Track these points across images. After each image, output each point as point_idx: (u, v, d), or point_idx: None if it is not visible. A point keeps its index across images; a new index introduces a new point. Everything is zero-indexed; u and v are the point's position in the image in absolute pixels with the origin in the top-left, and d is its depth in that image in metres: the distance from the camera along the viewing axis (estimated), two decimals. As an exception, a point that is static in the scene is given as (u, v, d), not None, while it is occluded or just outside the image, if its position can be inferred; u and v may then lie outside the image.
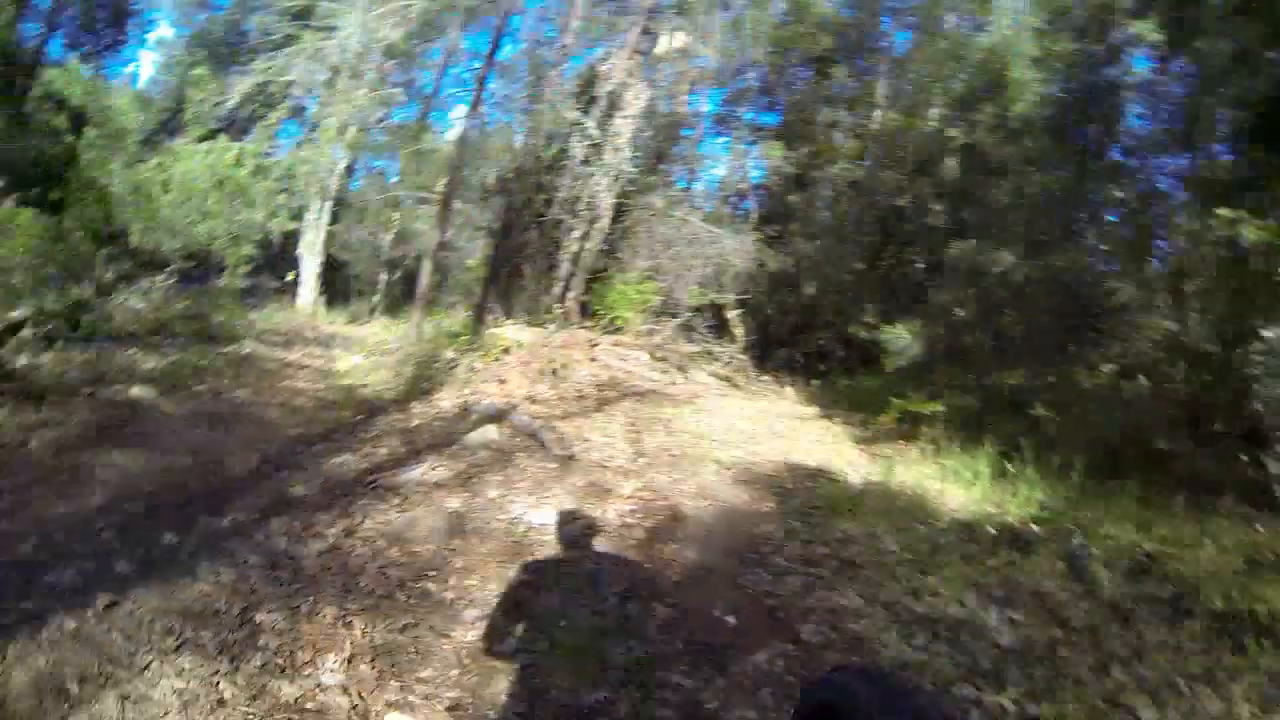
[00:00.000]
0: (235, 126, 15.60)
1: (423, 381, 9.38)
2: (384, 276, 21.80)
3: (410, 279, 21.67)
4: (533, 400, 8.52)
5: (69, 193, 9.58)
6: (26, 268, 7.96)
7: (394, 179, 23.10)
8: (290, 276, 18.62)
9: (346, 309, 19.94)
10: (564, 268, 12.63)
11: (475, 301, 14.70)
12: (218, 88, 14.77)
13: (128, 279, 9.67)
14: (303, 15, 16.21)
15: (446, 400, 8.56)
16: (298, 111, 18.46)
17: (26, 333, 7.30)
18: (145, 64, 23.83)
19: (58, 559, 4.00)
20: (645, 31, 12.39)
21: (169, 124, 15.67)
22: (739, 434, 8.02)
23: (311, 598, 3.81)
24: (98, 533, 4.39)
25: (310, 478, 5.68)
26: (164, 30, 23.12)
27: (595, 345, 10.86)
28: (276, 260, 21.38)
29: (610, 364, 10.51)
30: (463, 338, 11.22)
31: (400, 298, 21.59)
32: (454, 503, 5.39)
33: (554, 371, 9.49)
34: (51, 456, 5.34)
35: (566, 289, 12.65)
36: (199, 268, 12.66)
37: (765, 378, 13.30)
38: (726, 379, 11.95)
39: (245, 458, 6.00)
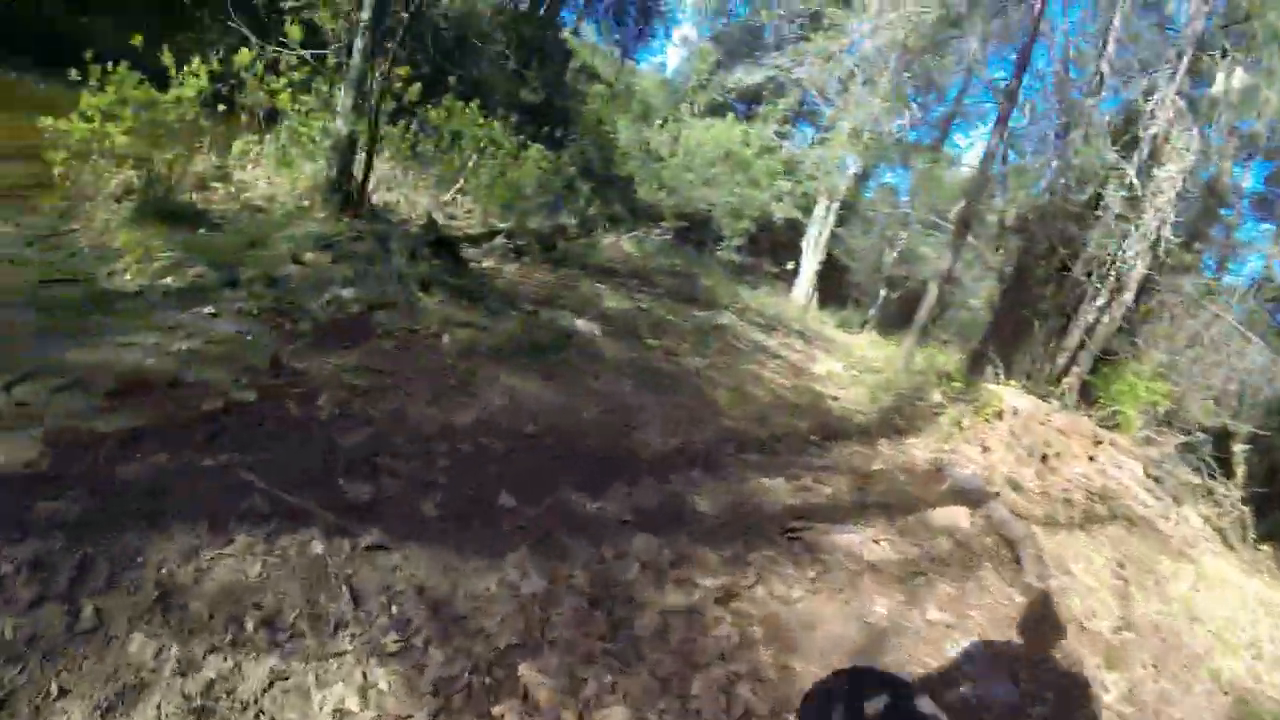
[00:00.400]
0: (743, 113, 16.13)
1: (899, 417, 7.83)
2: (883, 291, 20.92)
3: (908, 301, 20.72)
4: (1015, 486, 6.89)
5: (580, 135, 10.15)
6: (524, 192, 8.30)
7: (904, 197, 22.13)
8: (790, 266, 18.69)
9: (838, 313, 19.45)
10: (1074, 336, 11.48)
11: (973, 348, 12.92)
12: (727, 76, 15.54)
13: (618, 221, 9.78)
14: (815, 19, 16.84)
15: (920, 449, 7.21)
16: (811, 113, 18.81)
17: (499, 241, 7.46)
18: (672, 58, 27.25)
19: (372, 467, 3.34)
20: (1193, 70, 10.71)
21: (683, 107, 16.93)
22: (1237, 629, 5.76)
23: (608, 678, 2.44)
24: (437, 457, 3.63)
25: (722, 492, 4.44)
26: (688, 31, 26.16)
27: (1099, 442, 8.50)
28: (778, 247, 21.93)
29: (1106, 469, 8.35)
30: (955, 383, 9.41)
31: (894, 318, 20.48)
32: (879, 607, 3.73)
33: (1044, 458, 7.73)
34: (453, 358, 4.95)
35: (1072, 362, 11.48)
36: (694, 231, 12.80)
37: (1263, 546, 9.98)
38: (1220, 531, 9.16)
39: (661, 435, 5.00)
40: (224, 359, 4.12)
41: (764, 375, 7.68)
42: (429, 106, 8.39)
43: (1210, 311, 11.57)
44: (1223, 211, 14.14)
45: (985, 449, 7.68)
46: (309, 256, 5.68)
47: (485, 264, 7.08)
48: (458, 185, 8.35)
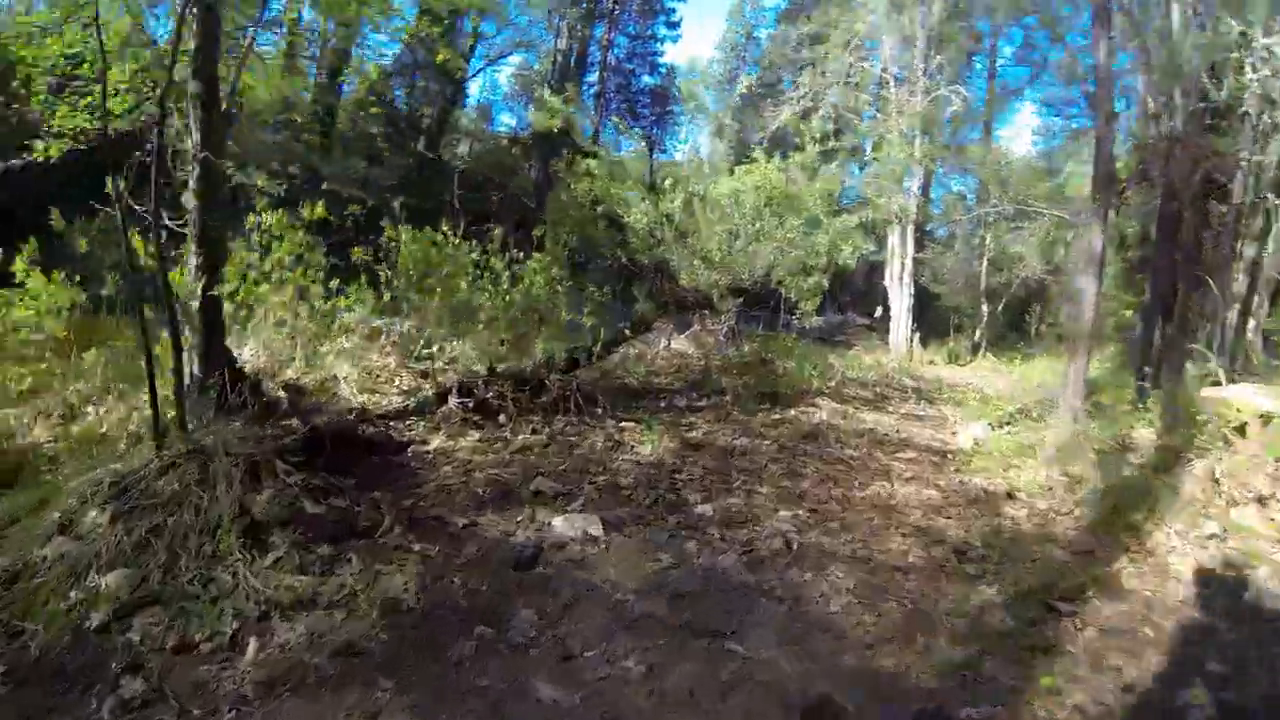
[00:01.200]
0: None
1: (1120, 500, 4.66)
2: (985, 307, 17.53)
3: (1014, 310, 17.98)
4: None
5: (559, 225, 7.33)
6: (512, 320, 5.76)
7: (971, 199, 18.95)
8: (878, 312, 15.67)
9: (943, 347, 16.50)
10: (1241, 281, 8.97)
11: (1138, 341, 9.14)
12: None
13: (642, 326, 6.99)
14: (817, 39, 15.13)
15: (1177, 554, 4.03)
16: (854, 152, 16.50)
17: (453, 404, 4.80)
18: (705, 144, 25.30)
19: None
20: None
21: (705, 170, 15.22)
22: None
23: None
24: None
25: None
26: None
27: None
28: (860, 295, 18.98)
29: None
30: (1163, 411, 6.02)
31: (1005, 331, 17.91)
32: None
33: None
34: (254, 701, 2.22)
35: (1246, 313, 9.02)
36: (760, 305, 9.91)
37: None
38: None
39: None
40: None
41: (895, 498, 4.54)
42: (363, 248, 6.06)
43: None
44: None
45: (1260, 503, 4.66)
46: (90, 517, 3.21)
47: (432, 444, 4.44)
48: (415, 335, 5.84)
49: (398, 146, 18.29)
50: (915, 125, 14.33)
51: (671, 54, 27.19)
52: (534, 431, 4.84)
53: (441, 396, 4.84)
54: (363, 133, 16.37)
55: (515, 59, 22.58)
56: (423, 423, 4.76)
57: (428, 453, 4.32)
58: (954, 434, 7.07)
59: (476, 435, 4.61)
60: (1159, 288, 9.00)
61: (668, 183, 8.26)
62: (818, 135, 9.80)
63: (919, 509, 4.40)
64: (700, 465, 4.61)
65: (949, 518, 4.32)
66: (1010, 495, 4.94)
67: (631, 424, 5.35)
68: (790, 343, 9.38)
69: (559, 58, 21.73)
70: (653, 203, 8.06)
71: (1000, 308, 17.66)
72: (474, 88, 23.78)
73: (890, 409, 7.82)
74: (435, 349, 6.21)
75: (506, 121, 25.72)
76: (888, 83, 15.34)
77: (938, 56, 15.19)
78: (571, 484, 4.02)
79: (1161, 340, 8.58)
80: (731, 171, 9.51)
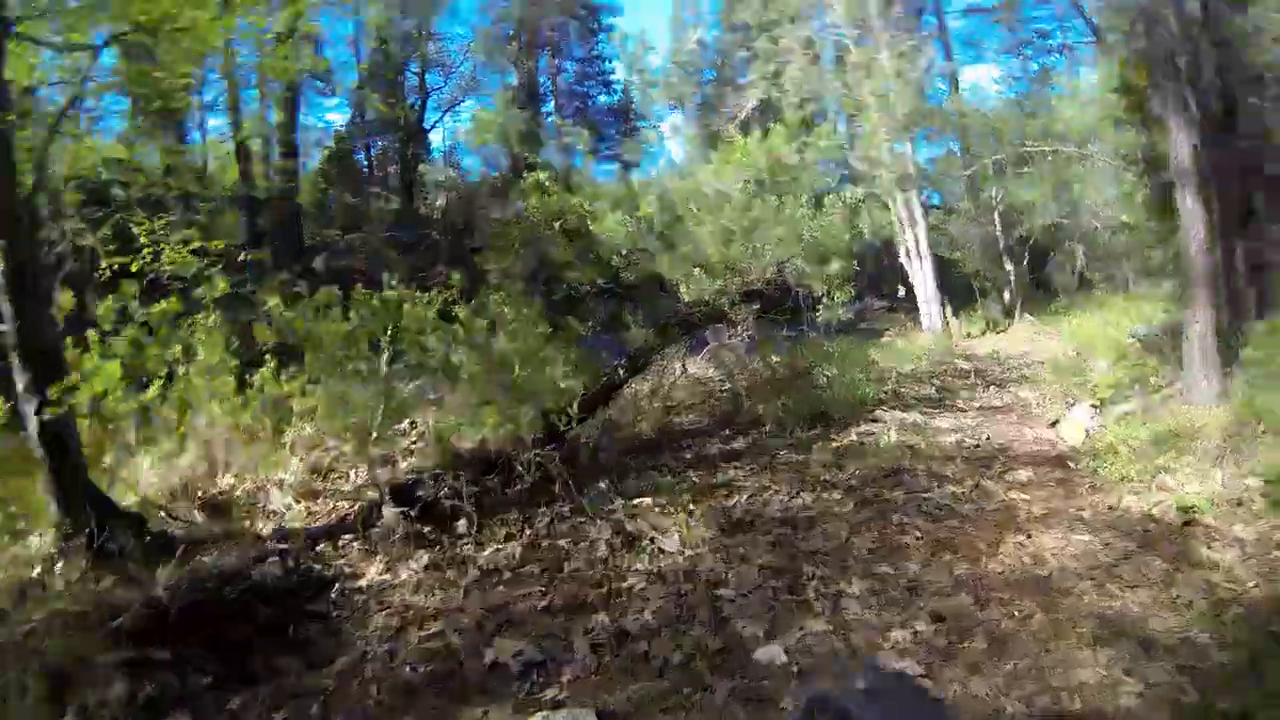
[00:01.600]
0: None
1: None
2: (1009, 267, 15.67)
3: (1037, 263, 16.07)
4: None
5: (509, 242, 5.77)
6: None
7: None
8: (900, 292, 14.16)
9: (973, 315, 14.76)
10: None
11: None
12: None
13: (638, 360, 5.50)
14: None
15: None
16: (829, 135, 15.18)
17: (390, 515, 3.37)
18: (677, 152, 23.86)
19: None
20: None
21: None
22: None
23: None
24: None
25: None
26: (677, 120, 23.00)
27: None
28: (873, 278, 17.45)
29: None
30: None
31: (1033, 289, 15.94)
32: None
33: None
34: None
35: None
36: (776, 305, 8.42)
37: None
38: None
39: None
40: None
41: (1045, 562, 3.07)
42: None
43: None
44: None
45: None
46: None
47: (365, 576, 3.02)
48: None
49: (372, 210, 17.46)
50: (890, 83, 12.92)
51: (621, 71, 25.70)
52: (508, 537, 3.37)
53: (377, 505, 3.44)
54: (319, 203, 15.42)
55: (467, 103, 21.60)
56: (359, 541, 3.35)
57: (358, 591, 2.91)
58: (1053, 426, 5.57)
59: (426, 557, 3.18)
60: (1225, 201, 7.22)
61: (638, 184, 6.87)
62: (796, 100, 8.36)
63: (1083, 576, 2.91)
64: (753, 561, 3.11)
65: (1132, 585, 2.81)
66: (1190, 521, 3.39)
67: (648, 499, 3.87)
68: (833, 346, 7.87)
69: (511, 94, 20.72)
70: (629, 211, 6.70)
71: (1024, 263, 16.07)
72: (437, 138, 22.82)
73: (961, 404, 6.38)
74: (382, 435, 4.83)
75: (476, 168, 24.83)
76: (848, 48, 13.93)
77: (895, 4, 13.81)
78: (554, 636, 2.56)
79: (1248, 269, 6.83)
80: (708, 160, 8.17)
